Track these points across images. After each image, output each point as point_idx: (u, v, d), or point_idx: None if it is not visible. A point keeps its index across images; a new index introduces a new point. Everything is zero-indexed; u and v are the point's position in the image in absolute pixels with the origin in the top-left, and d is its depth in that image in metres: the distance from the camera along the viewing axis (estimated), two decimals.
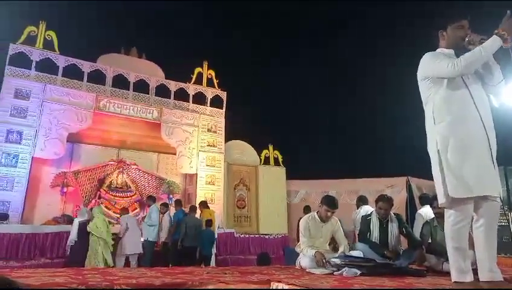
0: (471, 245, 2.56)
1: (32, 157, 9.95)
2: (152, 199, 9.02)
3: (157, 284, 2.61)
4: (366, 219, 4.49)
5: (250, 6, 18.95)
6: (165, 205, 8.64)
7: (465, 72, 2.54)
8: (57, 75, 10.81)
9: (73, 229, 7.81)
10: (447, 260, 2.74)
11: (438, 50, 2.80)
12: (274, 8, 19.51)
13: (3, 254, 7.74)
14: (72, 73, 11.14)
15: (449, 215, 2.48)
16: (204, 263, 8.33)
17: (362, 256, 3.80)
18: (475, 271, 2.46)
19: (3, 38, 10.37)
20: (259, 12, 19.87)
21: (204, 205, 9.60)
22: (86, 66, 11.29)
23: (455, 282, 2.42)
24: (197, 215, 9.11)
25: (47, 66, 10.80)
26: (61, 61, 10.91)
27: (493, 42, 2.47)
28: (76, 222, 7.96)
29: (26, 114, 10.03)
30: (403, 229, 4.39)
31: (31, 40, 10.60)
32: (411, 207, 12.38)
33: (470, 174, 2.40)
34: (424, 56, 2.75)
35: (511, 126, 4.83)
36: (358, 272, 3.45)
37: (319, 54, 20.29)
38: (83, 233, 7.71)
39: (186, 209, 9.36)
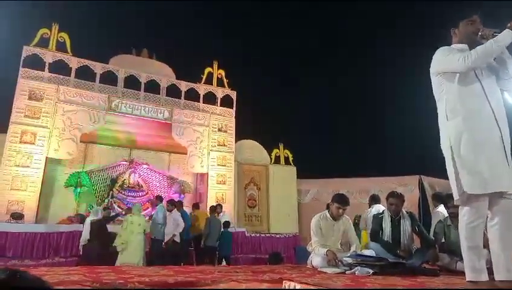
0: (486, 244, 2.53)
1: (46, 157, 10.11)
2: (160, 198, 9.11)
3: (171, 282, 2.63)
4: (378, 217, 4.44)
5: (262, 7, 18.97)
6: (172, 204, 8.66)
7: (475, 66, 2.50)
8: (70, 76, 10.96)
9: (85, 229, 7.88)
10: (460, 259, 2.71)
11: (452, 45, 2.76)
12: (285, 7, 19.49)
13: (19, 252, 7.87)
14: (85, 74, 11.30)
15: (464, 214, 2.45)
16: (225, 261, 8.72)
17: (374, 255, 3.78)
18: (489, 270, 2.42)
19: (17, 41, 10.55)
20: (270, 12, 19.87)
21: (196, 206, 9.98)
22: (98, 67, 11.43)
23: (469, 281, 2.39)
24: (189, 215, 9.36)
25: (60, 68, 10.97)
26: (74, 62, 11.07)
27: (505, 36, 2.43)
28: (88, 221, 8.03)
29: (40, 115, 10.19)
30: (416, 227, 4.33)
31: (44, 42, 10.76)
32: (423, 206, 12.25)
33: (484, 170, 2.36)
34: (436, 51, 2.72)
35: None
36: (371, 271, 3.42)
37: (330, 54, 20.23)
38: (96, 232, 7.78)
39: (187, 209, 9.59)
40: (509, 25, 2.44)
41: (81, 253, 8.11)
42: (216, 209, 9.30)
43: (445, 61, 2.62)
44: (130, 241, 7.42)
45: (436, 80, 2.70)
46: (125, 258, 7.28)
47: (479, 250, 2.41)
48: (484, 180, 2.35)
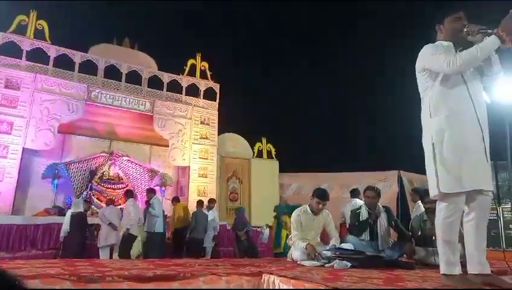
0: (460, 238, 2.59)
1: (23, 148, 9.86)
2: (152, 191, 8.82)
3: (149, 276, 2.61)
4: (355, 212, 4.53)
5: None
6: (128, 195, 8.37)
7: (460, 71, 2.53)
8: (48, 65, 10.69)
9: (66, 221, 7.74)
10: (436, 253, 2.77)
11: (437, 42, 2.78)
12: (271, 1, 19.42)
13: None
14: (63, 63, 11.04)
15: (440, 209, 2.50)
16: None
17: (353, 249, 3.84)
18: (462, 264, 2.49)
19: None
20: (255, 4, 19.78)
21: (176, 199, 9.70)
22: (77, 57, 11.17)
23: (443, 274, 2.45)
24: (170, 209, 9.57)
25: (38, 56, 10.68)
26: (52, 51, 10.79)
27: (491, 43, 2.43)
28: (68, 213, 7.88)
29: (16, 104, 9.92)
30: (392, 222, 4.44)
31: (21, 30, 10.44)
32: (402, 201, 12.49)
33: (462, 169, 2.41)
34: (423, 48, 2.73)
35: (500, 121, 4.92)
36: (349, 264, 3.49)
37: (315, 49, 20.32)
38: (76, 225, 7.64)
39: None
40: (495, 30, 2.44)
41: (61, 246, 7.95)
42: (202, 203, 9.21)
43: (431, 60, 2.63)
44: None
45: (421, 77, 2.72)
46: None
47: (453, 244, 2.47)
48: (461, 179, 2.39)
